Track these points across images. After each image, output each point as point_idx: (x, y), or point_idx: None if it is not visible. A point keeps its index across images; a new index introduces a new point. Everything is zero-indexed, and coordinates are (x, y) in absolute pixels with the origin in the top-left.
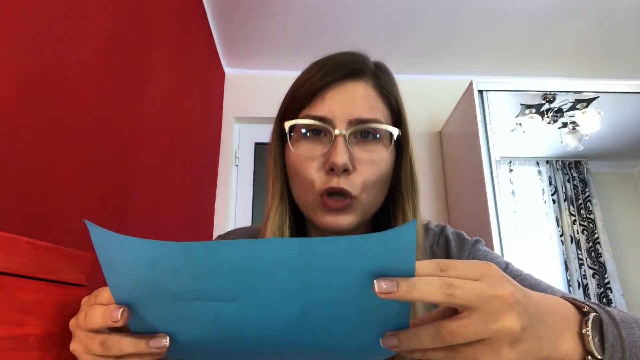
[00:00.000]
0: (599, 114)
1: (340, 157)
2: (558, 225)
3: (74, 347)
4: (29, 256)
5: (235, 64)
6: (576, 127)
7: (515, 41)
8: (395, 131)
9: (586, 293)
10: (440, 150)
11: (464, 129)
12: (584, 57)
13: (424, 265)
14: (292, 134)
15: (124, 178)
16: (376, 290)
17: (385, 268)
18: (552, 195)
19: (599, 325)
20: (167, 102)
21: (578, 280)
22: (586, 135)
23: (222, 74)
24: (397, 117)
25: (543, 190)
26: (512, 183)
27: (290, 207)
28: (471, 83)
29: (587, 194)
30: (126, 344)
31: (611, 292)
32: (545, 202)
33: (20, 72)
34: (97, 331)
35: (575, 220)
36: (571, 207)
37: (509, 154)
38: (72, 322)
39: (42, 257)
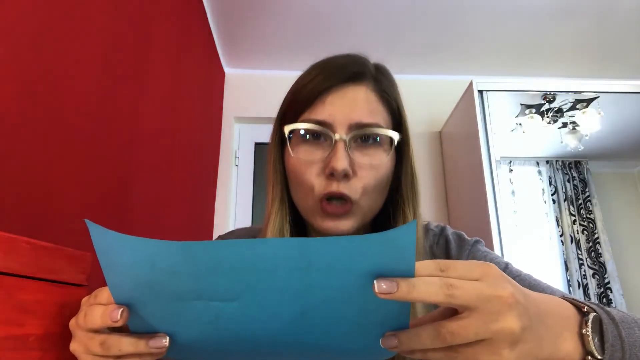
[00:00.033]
0: (599, 114)
1: (341, 162)
2: (558, 225)
3: (74, 347)
4: (29, 256)
5: (235, 64)
6: (576, 127)
7: (515, 41)
8: (395, 136)
9: (586, 293)
10: (440, 150)
11: (464, 129)
12: (584, 57)
13: (424, 266)
14: (292, 138)
15: (124, 178)
16: (376, 290)
17: (385, 268)
18: (552, 195)
19: (598, 325)
20: (167, 102)
21: (578, 280)
22: (586, 135)
23: (222, 74)
24: (398, 120)
25: (543, 190)
26: (512, 183)
27: (291, 210)
28: (471, 83)
29: (587, 194)
30: (126, 344)
31: (611, 292)
32: (545, 202)
33: (20, 72)
34: (97, 331)
35: (575, 220)
36: (571, 207)
37: (509, 154)
38: (72, 322)
39: (42, 257)
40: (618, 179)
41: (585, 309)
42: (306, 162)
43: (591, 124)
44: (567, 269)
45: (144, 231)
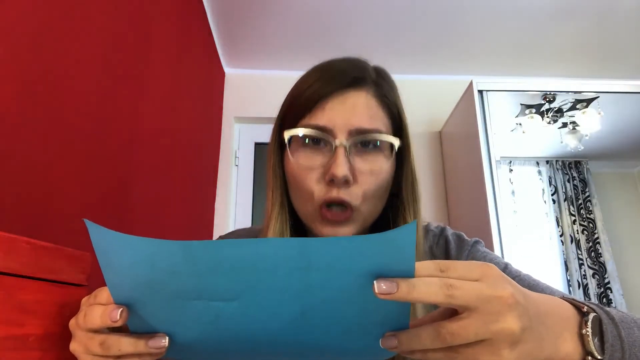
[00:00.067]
0: (599, 114)
1: (341, 168)
2: (558, 225)
3: (74, 347)
4: (29, 256)
5: (235, 64)
6: (576, 127)
7: (515, 41)
8: (396, 141)
9: (586, 293)
10: (440, 150)
11: (464, 129)
12: (584, 57)
13: (423, 266)
14: (291, 143)
15: (124, 178)
16: (376, 291)
17: (385, 268)
18: (552, 195)
19: (598, 325)
20: (167, 102)
21: (578, 280)
22: (586, 135)
23: (222, 74)
24: (398, 125)
25: (543, 190)
26: (512, 183)
27: (290, 215)
28: (471, 83)
29: (587, 194)
30: (125, 344)
31: (611, 292)
32: (545, 202)
33: (20, 72)
34: (96, 331)
35: (575, 220)
36: (571, 207)
37: (509, 154)
38: (72, 322)
39: (42, 257)
40: (618, 179)
41: (585, 309)
42: (306, 167)
43: (591, 124)
44: (567, 269)
45: (144, 231)
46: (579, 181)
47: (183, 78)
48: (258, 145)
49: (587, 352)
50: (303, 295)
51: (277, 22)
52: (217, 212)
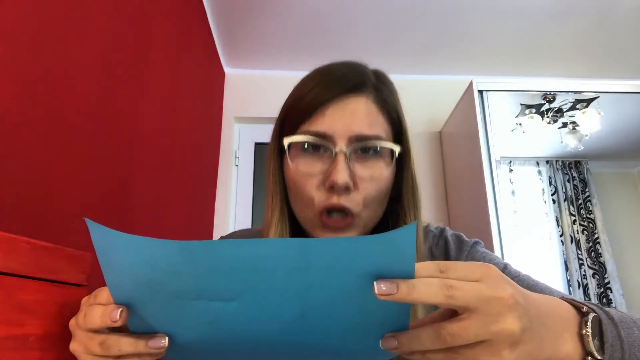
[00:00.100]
0: (599, 114)
1: (341, 175)
2: (558, 225)
3: (74, 347)
4: (29, 256)
5: (235, 64)
6: (576, 127)
7: (515, 41)
8: (396, 148)
9: (586, 293)
10: (440, 150)
11: (464, 129)
12: (584, 57)
13: (423, 267)
14: (291, 149)
15: (124, 178)
16: (376, 292)
17: (385, 269)
18: (552, 195)
19: (598, 325)
20: (167, 102)
21: (578, 280)
22: (586, 135)
23: (222, 74)
24: (398, 129)
25: (543, 190)
26: (512, 183)
27: (290, 220)
28: (471, 83)
29: (587, 194)
30: (125, 344)
31: (611, 292)
32: (545, 202)
33: (20, 72)
34: (96, 331)
35: (575, 220)
36: (571, 207)
37: (509, 154)
38: (72, 322)
39: (42, 257)
40: (618, 179)
41: (585, 309)
42: (306, 174)
43: (591, 124)
44: (567, 269)
45: (144, 231)
46: (579, 181)
47: (183, 78)
48: (258, 145)
49: (587, 352)
50: (303, 296)
51: (277, 22)
52: (217, 212)
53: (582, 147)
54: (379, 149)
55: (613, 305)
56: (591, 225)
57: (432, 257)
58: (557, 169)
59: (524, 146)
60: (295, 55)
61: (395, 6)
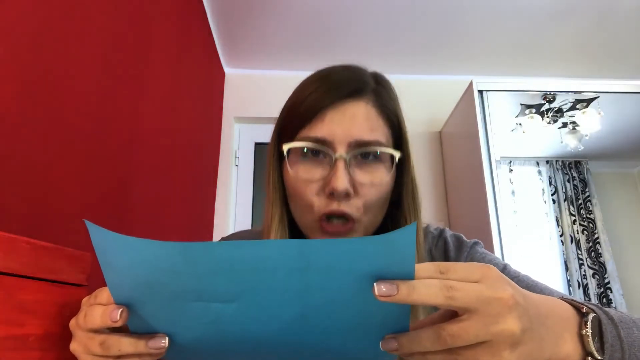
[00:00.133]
0: (599, 114)
1: (341, 182)
2: (558, 225)
3: (74, 347)
4: (29, 256)
5: (235, 64)
6: (576, 127)
7: (515, 41)
8: (397, 154)
9: (586, 293)
10: (440, 150)
11: (464, 129)
12: (584, 57)
13: (423, 268)
14: (290, 154)
15: (124, 178)
16: (376, 293)
17: (385, 270)
18: (552, 195)
19: (597, 325)
20: (167, 102)
21: (578, 280)
22: (586, 135)
23: (222, 74)
24: (398, 134)
25: (543, 190)
26: (512, 183)
27: (290, 226)
28: (471, 83)
29: (587, 194)
30: (125, 344)
31: (611, 292)
32: (545, 202)
33: (20, 72)
34: (96, 331)
35: (575, 220)
36: (571, 207)
37: (509, 154)
38: (72, 322)
39: (42, 257)
40: (618, 179)
41: (584, 309)
42: (305, 180)
43: (591, 124)
44: (567, 269)
45: (144, 231)
46: (579, 181)
47: (183, 78)
48: (258, 145)
49: (587, 352)
50: (303, 296)
51: (277, 22)
52: (217, 212)
53: (582, 147)
54: (379, 153)
55: (613, 305)
56: (591, 225)
57: (432, 258)
58: (557, 169)
59: (524, 146)
60: (295, 55)
61: (395, 6)
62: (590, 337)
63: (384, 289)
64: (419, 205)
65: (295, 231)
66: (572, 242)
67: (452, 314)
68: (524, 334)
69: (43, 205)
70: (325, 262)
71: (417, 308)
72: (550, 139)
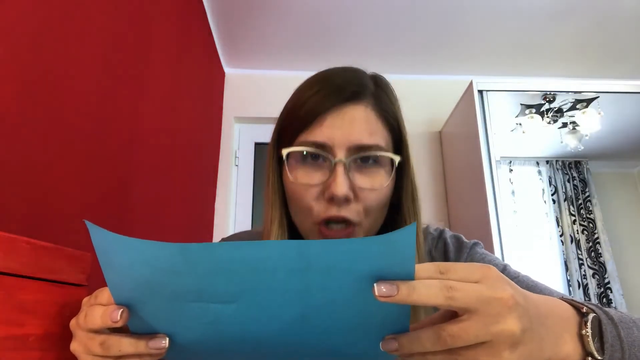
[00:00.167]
0: (599, 114)
1: (341, 187)
2: (558, 225)
3: (74, 347)
4: (29, 256)
5: (235, 64)
6: (576, 127)
7: (515, 41)
8: (396, 158)
9: (586, 293)
10: (440, 150)
11: (464, 129)
12: (584, 57)
13: (423, 268)
14: (289, 159)
15: (124, 178)
16: (376, 293)
17: (385, 271)
18: (552, 195)
19: (597, 326)
20: (167, 102)
21: (578, 280)
22: (586, 135)
23: (222, 74)
24: (398, 137)
25: (543, 190)
26: (512, 183)
27: (290, 229)
28: (471, 83)
29: (587, 194)
30: (126, 344)
31: (611, 292)
32: (545, 202)
33: (20, 72)
34: (97, 331)
35: (575, 220)
36: (571, 207)
37: (509, 154)
38: (73, 322)
39: (42, 257)
40: (618, 179)
41: (584, 309)
42: (304, 184)
43: (591, 124)
44: (567, 269)
45: (144, 231)
46: (579, 181)
47: (183, 78)
48: (258, 145)
49: (587, 352)
50: (303, 297)
51: (277, 22)
52: (217, 212)
53: (582, 147)
54: (378, 158)
55: (613, 305)
56: (591, 225)
57: (432, 259)
58: (557, 169)
59: (524, 146)
60: (295, 55)
61: (395, 6)
62: (590, 337)
63: (384, 290)
64: (418, 209)
65: (295, 234)
66: (572, 242)
67: (452, 315)
68: (524, 334)
69: (43, 205)
70: (325, 263)
71: (418, 308)
72: (550, 139)
